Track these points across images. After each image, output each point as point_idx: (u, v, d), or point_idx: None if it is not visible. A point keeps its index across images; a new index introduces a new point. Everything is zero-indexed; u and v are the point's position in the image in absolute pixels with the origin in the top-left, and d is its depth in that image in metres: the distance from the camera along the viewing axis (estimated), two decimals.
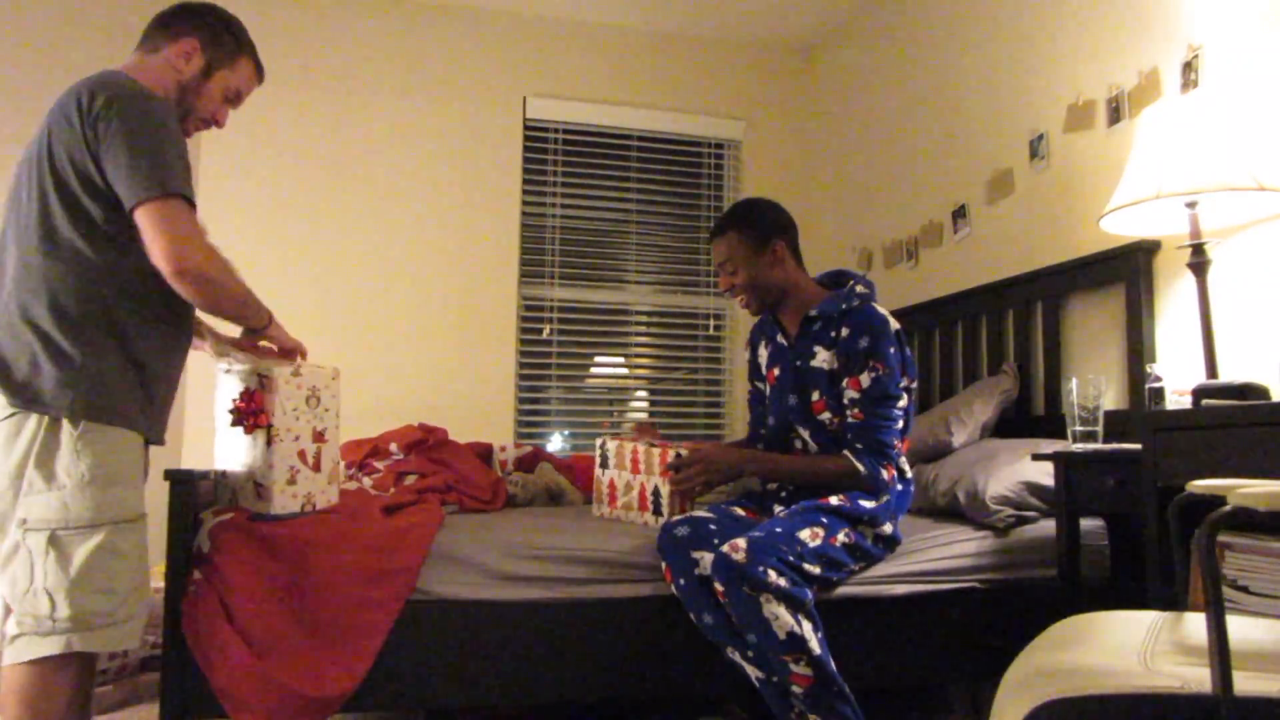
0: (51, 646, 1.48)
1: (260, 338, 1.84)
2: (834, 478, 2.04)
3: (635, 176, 4.14)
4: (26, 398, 1.51)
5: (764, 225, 2.13)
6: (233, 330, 1.89)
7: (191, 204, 1.58)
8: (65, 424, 1.52)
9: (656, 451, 2.17)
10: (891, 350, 2.02)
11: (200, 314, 1.77)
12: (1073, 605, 1.83)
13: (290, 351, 1.90)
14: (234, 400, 1.82)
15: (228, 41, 1.77)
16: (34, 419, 1.51)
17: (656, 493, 2.17)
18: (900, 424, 2.05)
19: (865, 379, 2.02)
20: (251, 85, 1.85)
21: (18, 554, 1.50)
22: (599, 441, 2.30)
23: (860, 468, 2.01)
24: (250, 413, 1.80)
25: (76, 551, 1.50)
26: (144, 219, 1.52)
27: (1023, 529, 2.20)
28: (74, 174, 1.55)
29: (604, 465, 2.29)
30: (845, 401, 2.05)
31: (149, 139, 1.53)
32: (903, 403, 2.05)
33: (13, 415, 1.51)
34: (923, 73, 3.43)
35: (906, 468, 2.13)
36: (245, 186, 3.59)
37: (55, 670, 1.50)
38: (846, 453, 2.03)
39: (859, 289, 2.11)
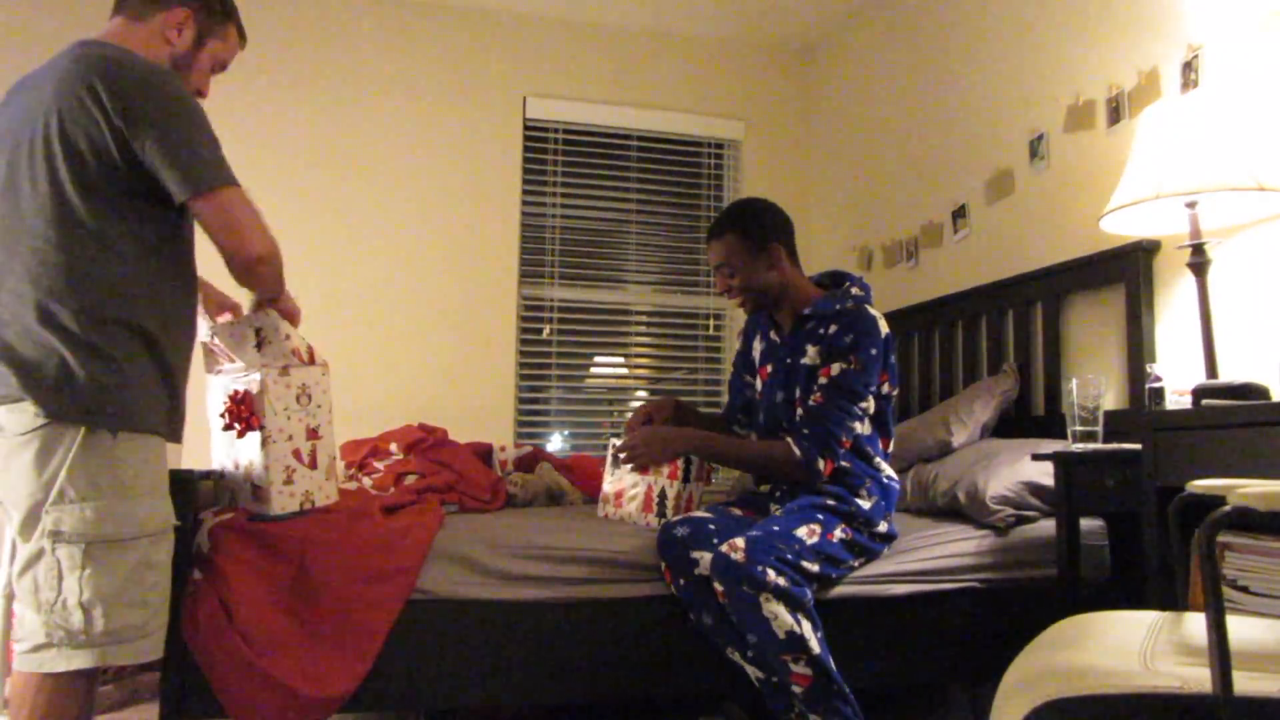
0: (85, 660, 1.45)
1: (274, 306, 1.81)
2: (769, 461, 2.05)
3: (635, 176, 4.14)
4: (62, 406, 1.44)
5: (762, 228, 2.12)
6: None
7: (241, 188, 1.55)
8: (103, 434, 1.46)
9: (666, 464, 2.17)
10: (873, 352, 2.01)
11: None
12: (1073, 605, 1.83)
13: (290, 316, 1.86)
14: (224, 404, 1.82)
15: (217, 9, 1.72)
16: (71, 429, 1.44)
17: (663, 494, 2.17)
18: (856, 423, 2.02)
19: (836, 369, 2.01)
20: (235, 53, 1.79)
21: (41, 561, 1.45)
22: (611, 442, 2.29)
23: (796, 451, 1.99)
24: (241, 416, 1.79)
25: (115, 566, 1.46)
26: (206, 211, 1.50)
27: (1023, 529, 2.20)
28: (96, 161, 1.47)
29: (615, 465, 2.27)
30: (815, 388, 2.05)
31: (189, 126, 1.50)
32: (865, 404, 2.03)
33: (47, 425, 1.44)
34: (923, 72, 3.43)
35: (886, 467, 2.13)
36: (244, 186, 3.59)
37: (72, 680, 1.47)
38: (788, 437, 2.02)
39: (854, 290, 2.12)
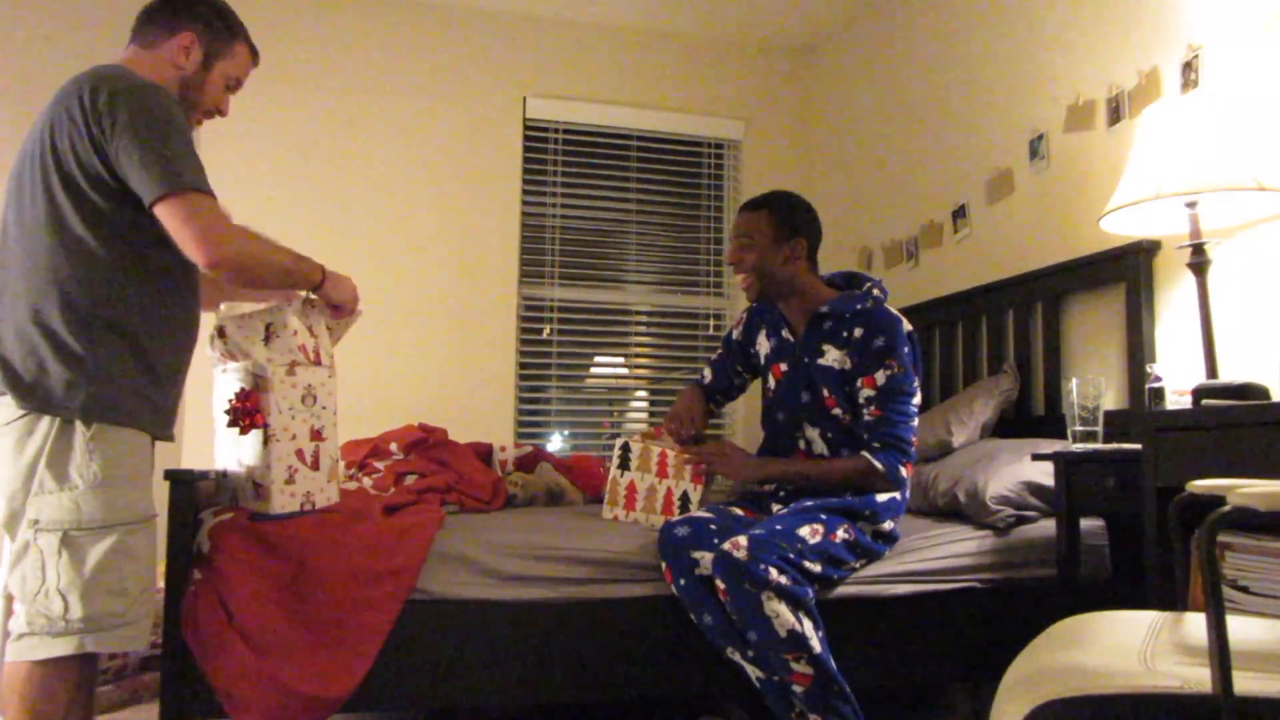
0: (64, 647, 1.49)
1: (321, 298, 1.86)
2: (853, 475, 2.04)
3: (635, 176, 4.14)
4: (37, 399, 1.51)
5: (794, 219, 2.15)
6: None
7: (209, 194, 1.57)
8: (78, 425, 1.52)
9: (689, 467, 2.17)
10: (906, 350, 2.04)
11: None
12: (1073, 605, 1.83)
13: (339, 309, 1.91)
14: (229, 400, 1.82)
15: (222, 30, 1.77)
16: (45, 420, 1.51)
17: (685, 497, 2.16)
18: (915, 420, 2.07)
19: (880, 376, 2.03)
20: (248, 70, 1.84)
21: (28, 553, 1.50)
22: (620, 442, 2.26)
23: (878, 465, 2.01)
24: (246, 413, 1.80)
25: (89, 553, 1.51)
26: (165, 215, 1.53)
27: (1023, 529, 2.20)
28: (79, 169, 1.54)
29: (623, 467, 2.24)
30: (861, 400, 2.06)
31: (157, 133, 1.53)
32: (916, 400, 2.07)
33: (24, 416, 1.51)
34: (923, 73, 3.43)
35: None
36: (244, 186, 3.59)
37: (58, 670, 1.50)
38: (864, 452, 2.03)
39: (875, 291, 2.13)
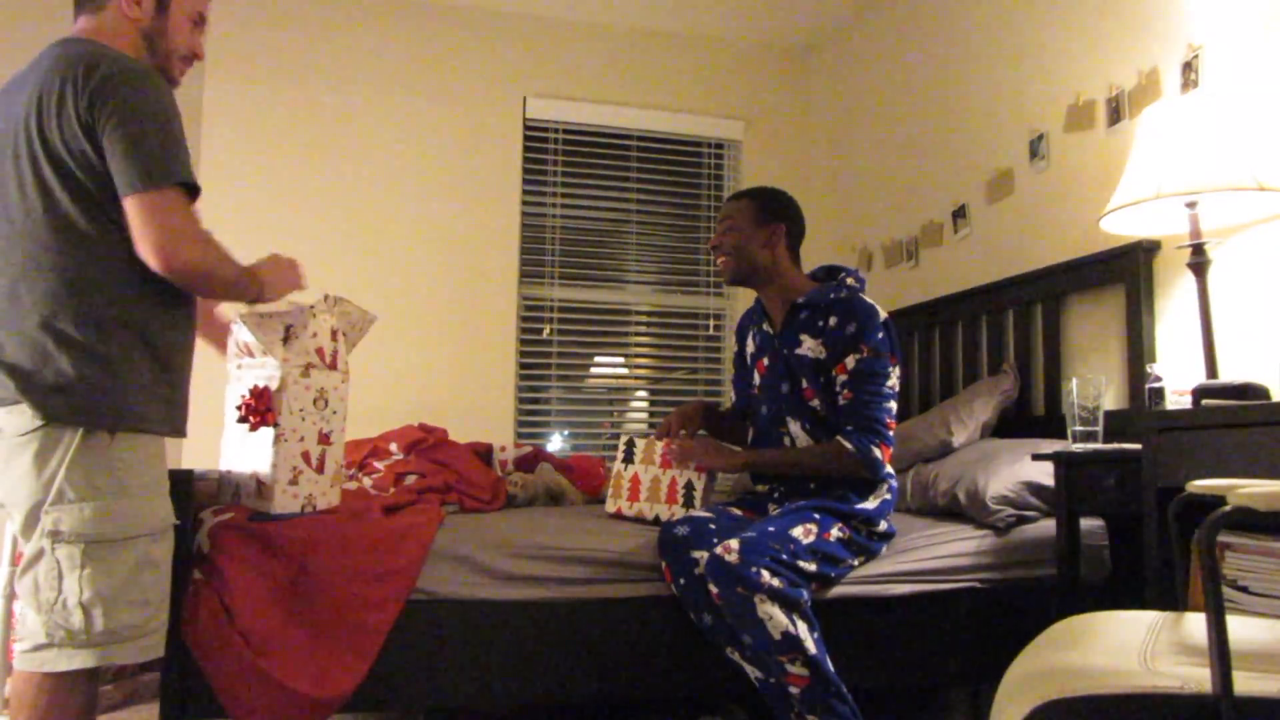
0: (85, 659, 1.45)
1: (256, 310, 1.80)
2: (827, 463, 2.04)
3: (635, 176, 4.14)
4: (58, 408, 1.44)
5: (773, 206, 2.18)
6: None
7: (193, 191, 1.52)
8: (101, 435, 1.46)
9: (691, 473, 2.21)
10: (879, 335, 2.04)
11: None
12: (1073, 605, 1.83)
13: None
14: (243, 397, 1.83)
15: None
16: (69, 431, 1.44)
17: (690, 486, 2.19)
18: (890, 403, 2.05)
19: (851, 361, 2.03)
20: (205, 0, 1.73)
21: (41, 561, 1.45)
22: (625, 438, 2.31)
23: (849, 446, 2.00)
24: (257, 410, 1.80)
25: (115, 565, 1.47)
26: (133, 211, 1.46)
27: (1023, 529, 2.20)
28: (73, 159, 1.46)
29: (628, 460, 2.28)
30: (836, 387, 2.06)
31: (152, 124, 1.47)
32: (891, 382, 2.05)
33: (44, 427, 1.44)
34: (922, 73, 3.43)
35: (889, 466, 2.13)
36: (244, 186, 3.59)
37: (73, 679, 1.47)
38: (838, 436, 2.03)
39: (849, 281, 2.14)
